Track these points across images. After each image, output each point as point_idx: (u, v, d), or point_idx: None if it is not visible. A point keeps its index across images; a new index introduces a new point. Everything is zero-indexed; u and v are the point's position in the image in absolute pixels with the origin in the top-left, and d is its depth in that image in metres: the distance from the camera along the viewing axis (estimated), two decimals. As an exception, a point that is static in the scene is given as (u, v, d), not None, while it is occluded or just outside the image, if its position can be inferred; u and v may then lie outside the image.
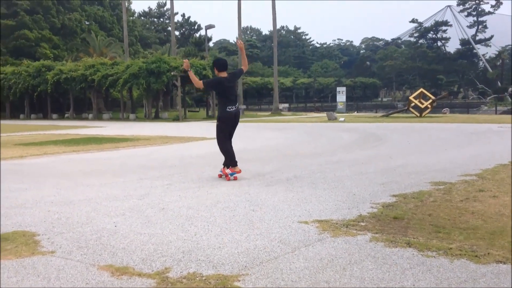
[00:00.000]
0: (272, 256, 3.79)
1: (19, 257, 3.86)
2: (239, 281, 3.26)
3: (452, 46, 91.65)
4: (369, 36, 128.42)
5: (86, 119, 43.63)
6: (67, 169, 9.57)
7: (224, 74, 8.07)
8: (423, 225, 4.61)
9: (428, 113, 32.74)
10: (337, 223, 4.77)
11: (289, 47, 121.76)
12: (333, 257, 3.73)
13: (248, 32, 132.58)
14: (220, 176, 8.14)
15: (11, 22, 57.61)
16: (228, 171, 7.98)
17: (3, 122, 39.17)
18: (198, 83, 8.26)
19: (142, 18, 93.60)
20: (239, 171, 7.99)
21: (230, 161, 8.04)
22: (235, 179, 7.85)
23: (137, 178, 8.10)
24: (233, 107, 8.12)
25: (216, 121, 8.34)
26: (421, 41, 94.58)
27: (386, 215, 5.06)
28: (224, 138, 8.25)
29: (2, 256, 3.89)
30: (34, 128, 27.59)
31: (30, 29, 58.61)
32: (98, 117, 43.22)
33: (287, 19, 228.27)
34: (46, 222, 5.02)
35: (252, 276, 3.34)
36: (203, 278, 3.33)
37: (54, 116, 46.80)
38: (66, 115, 47.12)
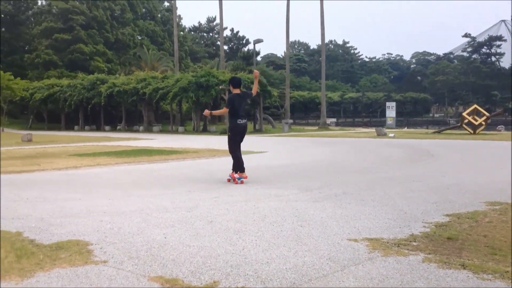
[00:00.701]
0: (321, 274, 3.74)
1: (73, 266, 3.97)
2: (288, 297, 3.23)
3: (507, 62, 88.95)
4: (420, 51, 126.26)
5: (137, 131, 44.67)
6: (119, 180, 9.80)
7: (237, 91, 9.37)
8: (478, 247, 4.46)
9: (482, 130, 31.77)
10: (388, 242, 4.67)
11: (337, 61, 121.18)
12: (384, 277, 3.65)
13: (296, 46, 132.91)
14: (228, 180, 9.21)
15: (67, 36, 59.95)
16: (236, 175, 9.08)
17: (59, 133, 40.59)
18: (224, 111, 9.55)
19: (192, 32, 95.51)
20: (246, 177, 9.11)
21: (239, 167, 9.16)
22: (242, 183, 8.91)
23: (186, 190, 8.20)
24: (242, 120, 9.32)
25: (228, 131, 9.49)
26: (474, 56, 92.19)
27: (439, 235, 4.91)
28: (235, 147, 9.38)
29: (57, 264, 4.01)
30: (88, 139, 28.46)
31: (85, 43, 60.86)
32: (149, 129, 44.16)
33: (336, 33, 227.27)
34: (99, 231, 5.15)
35: (300, 293, 3.31)
36: (252, 293, 3.32)
37: (107, 127, 48.15)
38: (118, 127, 48.39)
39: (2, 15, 67.14)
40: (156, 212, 6.22)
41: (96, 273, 3.78)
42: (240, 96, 9.37)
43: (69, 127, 51.08)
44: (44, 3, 68.73)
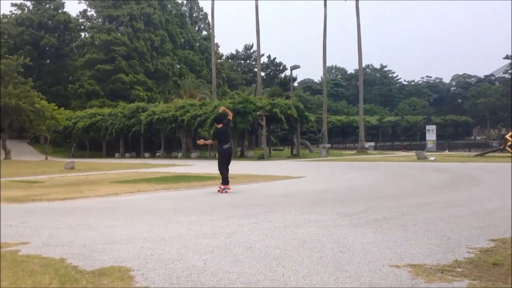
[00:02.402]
0: (363, 301, 3.68)
1: (115, 292, 4.03)
2: (329, 325, 3.19)
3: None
4: (460, 73, 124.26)
5: (176, 157, 45.25)
6: (159, 206, 9.93)
7: (220, 125, 12.74)
8: (526, 273, 4.30)
9: (526, 152, 30.76)
10: (431, 268, 4.55)
11: (375, 85, 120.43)
12: (428, 304, 3.55)
13: (333, 71, 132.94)
14: (219, 191, 12.39)
15: (108, 67, 61.81)
16: (222, 187, 12.40)
17: (100, 160, 41.51)
18: (211, 142, 13.94)
19: (230, 60, 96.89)
20: (229, 188, 12.44)
21: (224, 181, 12.50)
22: (226, 192, 12.18)
23: (224, 216, 8.23)
24: (226, 145, 12.62)
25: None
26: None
27: (484, 260, 4.77)
28: (221, 166, 12.65)
29: (100, 290, 4.07)
30: (128, 166, 28.99)
31: (126, 73, 62.55)
32: (187, 156, 44.68)
33: (373, 58, 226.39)
34: (140, 258, 5.21)
35: (342, 321, 3.26)
36: (292, 320, 3.29)
37: (146, 154, 48.99)
38: (157, 154, 49.17)
39: (47, 48, 69.81)
40: (196, 238, 6.25)
41: (137, 299, 3.82)
42: (222, 129, 12.66)
43: (110, 154, 52.20)
44: (87, 35, 71.24)
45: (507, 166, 21.27)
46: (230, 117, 13.15)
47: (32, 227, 7.39)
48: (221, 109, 13.85)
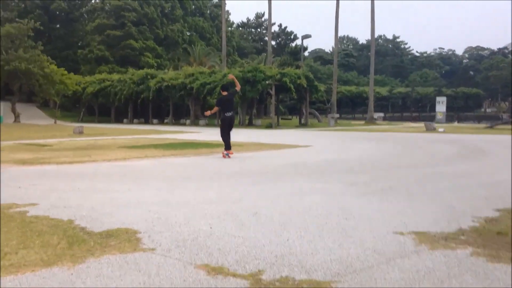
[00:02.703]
0: (366, 265, 3.71)
1: (122, 253, 4.09)
2: (332, 287, 3.23)
3: None
4: (473, 45, 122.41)
5: (184, 124, 45.34)
6: (166, 172, 10.00)
7: (225, 93, 13.49)
8: (530, 243, 4.31)
9: (537, 126, 30.53)
10: (435, 236, 4.57)
11: (387, 56, 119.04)
12: (431, 269, 3.59)
13: (345, 42, 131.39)
14: (223, 156, 12.96)
15: (118, 33, 61.43)
16: (225, 152, 12.94)
17: (109, 126, 41.70)
18: (215, 109, 14.21)
19: (240, 28, 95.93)
20: (231, 153, 12.97)
21: (226, 146, 13.09)
22: (229, 157, 12.77)
23: (231, 183, 8.28)
24: (229, 113, 13.34)
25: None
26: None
27: (488, 229, 4.78)
28: (223, 132, 13.27)
29: (107, 251, 4.14)
30: (137, 132, 29.11)
31: (135, 40, 62.16)
32: (195, 123, 44.74)
33: (386, 28, 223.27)
34: (147, 221, 5.27)
35: (345, 284, 3.30)
36: (296, 282, 3.34)
37: (155, 121, 49.10)
38: (165, 121, 49.27)
39: (57, 12, 69.44)
40: (202, 203, 6.30)
41: (144, 260, 3.88)
42: (226, 97, 13.42)
43: (118, 120, 52.36)
44: (97, 0, 70.66)
45: (517, 139, 21.13)
46: (238, 88, 14.07)
47: (41, 189, 7.48)
48: (230, 77, 14.69)
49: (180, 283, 3.36)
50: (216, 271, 3.59)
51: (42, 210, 5.83)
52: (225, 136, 13.19)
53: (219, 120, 14.15)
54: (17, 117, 43.62)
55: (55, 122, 45.55)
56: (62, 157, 12.67)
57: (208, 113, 14.51)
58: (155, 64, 61.74)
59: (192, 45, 66.59)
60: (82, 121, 51.50)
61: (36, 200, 6.50)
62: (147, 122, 50.15)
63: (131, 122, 50.54)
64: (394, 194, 6.95)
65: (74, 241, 4.42)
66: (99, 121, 51.78)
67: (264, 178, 8.93)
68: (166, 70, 52.22)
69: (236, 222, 5.20)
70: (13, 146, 16.68)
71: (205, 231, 4.81)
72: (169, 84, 44.18)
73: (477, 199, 6.55)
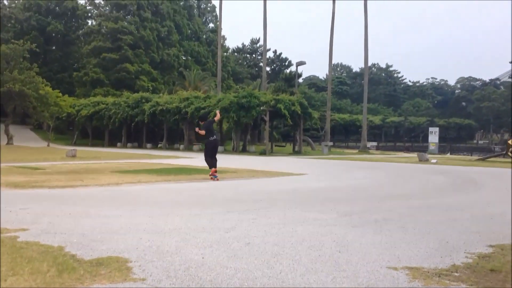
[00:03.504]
0: (359, 302, 3.67)
1: (112, 282, 4.03)
2: (325, 325, 3.19)
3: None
4: (466, 76, 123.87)
5: (178, 149, 45.25)
6: (159, 198, 9.94)
7: (202, 122, 15.20)
8: (524, 281, 4.29)
9: (529, 158, 30.72)
10: (428, 272, 4.55)
11: (380, 84, 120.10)
12: (424, 308, 3.55)
13: (338, 69, 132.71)
14: (211, 179, 14.02)
15: (114, 56, 61.73)
16: (210, 173, 14.14)
17: (102, 149, 41.56)
18: (203, 133, 14.87)
19: (236, 54, 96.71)
20: (215, 170, 14.26)
21: (210, 167, 14.39)
22: (217, 179, 13.98)
23: (224, 210, 8.23)
24: (212, 138, 14.70)
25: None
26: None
27: (482, 266, 4.76)
28: (206, 155, 14.79)
29: (97, 280, 4.08)
30: (130, 156, 29.03)
31: (131, 63, 62.46)
32: (189, 148, 44.67)
33: (379, 57, 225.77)
34: (138, 249, 5.22)
35: (338, 321, 3.26)
36: (288, 318, 3.29)
37: (148, 145, 49.01)
38: (159, 145, 49.18)
39: (53, 34, 69.79)
40: (194, 231, 6.26)
41: (134, 291, 3.83)
42: (205, 124, 14.91)
43: (112, 143, 52.22)
44: (94, 23, 71.15)
45: (509, 171, 21.22)
46: (217, 118, 15.90)
47: (32, 213, 7.41)
48: (217, 118, 16.11)
49: (171, 316, 3.31)
50: (208, 304, 3.54)
51: (33, 236, 5.76)
52: (208, 158, 14.66)
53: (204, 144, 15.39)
54: (10, 139, 43.36)
55: (48, 145, 45.31)
56: (55, 181, 12.59)
57: (198, 130, 15.24)
58: (150, 88, 61.97)
59: (188, 69, 67.00)
60: (76, 144, 51.31)
61: (27, 225, 6.43)
62: (140, 146, 50.05)
63: (124, 146, 50.40)
64: (387, 226, 6.93)
65: (64, 269, 4.35)
66: (93, 145, 51.61)
67: (257, 206, 8.88)
68: (161, 94, 52.35)
69: (228, 252, 5.15)
70: (5, 169, 16.56)
71: (196, 261, 4.76)
72: (164, 108, 44.25)
73: (470, 233, 6.53)
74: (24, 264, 4.46)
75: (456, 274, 4.50)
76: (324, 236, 6.15)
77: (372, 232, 6.46)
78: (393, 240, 5.96)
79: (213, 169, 14.22)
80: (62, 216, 7.29)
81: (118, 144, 51.74)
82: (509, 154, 31.33)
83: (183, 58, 74.98)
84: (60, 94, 46.39)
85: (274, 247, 5.46)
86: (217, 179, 13.98)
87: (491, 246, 5.74)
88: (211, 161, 14.50)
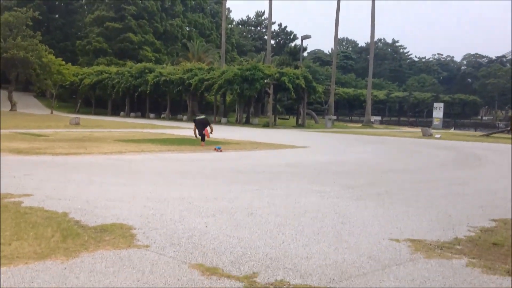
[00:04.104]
0: (361, 272, 3.70)
1: (117, 248, 4.06)
2: (327, 293, 3.21)
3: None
4: (472, 53, 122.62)
5: (181, 120, 45.19)
6: (163, 168, 9.96)
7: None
8: (525, 255, 4.30)
9: (532, 135, 30.64)
10: (430, 244, 4.56)
11: (385, 59, 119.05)
12: (426, 279, 3.57)
13: (344, 43, 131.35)
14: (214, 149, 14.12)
15: (118, 25, 61.16)
16: (216, 147, 14.37)
17: (105, 118, 41.55)
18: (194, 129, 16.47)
19: (240, 26, 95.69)
20: (203, 145, 15.24)
21: (200, 137, 15.76)
22: (221, 150, 13.99)
23: (227, 181, 8.25)
24: (200, 116, 17.20)
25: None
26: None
27: (484, 240, 4.77)
28: (196, 130, 16.16)
29: (101, 246, 4.11)
30: (133, 125, 29.01)
31: (135, 33, 61.93)
32: (192, 119, 44.52)
33: (385, 32, 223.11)
34: (142, 217, 5.24)
35: (340, 290, 3.28)
36: (291, 286, 3.32)
37: (152, 115, 48.93)
38: (162, 115, 49.10)
39: (57, 2, 69.12)
40: (198, 201, 6.28)
41: (138, 257, 3.85)
42: (199, 119, 16.53)
43: (115, 113, 52.14)
44: (97, -9, 70.26)
45: (513, 148, 21.18)
46: (207, 134, 16.20)
47: (36, 179, 7.44)
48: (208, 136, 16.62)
49: (174, 282, 3.33)
50: (211, 271, 3.57)
51: (37, 201, 5.79)
52: (196, 131, 16.17)
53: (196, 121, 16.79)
54: (13, 106, 43.36)
55: (51, 112, 45.28)
56: (58, 148, 12.61)
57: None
58: (153, 58, 61.50)
59: (191, 41, 66.41)
60: (79, 112, 51.23)
61: (31, 190, 6.46)
62: (143, 116, 49.95)
63: (127, 116, 50.33)
64: (390, 199, 6.94)
65: (68, 235, 4.38)
66: (96, 113, 51.54)
67: (260, 177, 8.90)
68: (164, 65, 52.00)
69: (231, 222, 5.18)
70: (8, 135, 16.58)
71: (200, 230, 4.79)
72: (167, 79, 44.01)
73: (473, 208, 6.55)
74: (29, 229, 4.49)
75: (458, 247, 4.51)
76: (326, 208, 6.17)
77: (375, 205, 6.47)
78: (395, 213, 5.98)
79: (202, 143, 15.57)
80: (66, 182, 7.32)
81: (121, 113, 51.67)
82: (513, 131, 31.24)
83: (187, 29, 74.22)
84: (63, 63, 46.18)
85: (277, 218, 5.48)
86: (221, 150, 13.98)
87: (493, 220, 5.75)
88: (197, 133, 16.12)
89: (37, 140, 15.14)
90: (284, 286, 3.32)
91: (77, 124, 25.95)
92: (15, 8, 44.75)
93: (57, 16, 70.59)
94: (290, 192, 7.27)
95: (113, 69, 51.99)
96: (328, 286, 3.35)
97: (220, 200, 6.37)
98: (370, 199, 6.90)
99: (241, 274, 3.53)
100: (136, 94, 47.60)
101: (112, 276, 3.41)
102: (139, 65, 49.80)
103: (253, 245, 4.33)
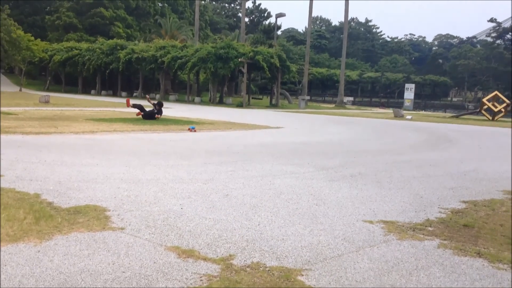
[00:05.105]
0: (336, 254, 3.75)
1: (91, 231, 4.02)
2: (303, 275, 3.25)
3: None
4: (443, 33, 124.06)
5: (153, 99, 44.69)
6: (136, 147, 9.86)
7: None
8: (494, 236, 4.43)
9: (501, 117, 31.37)
10: (403, 226, 4.65)
11: (358, 39, 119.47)
12: (399, 260, 3.65)
13: (318, 22, 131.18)
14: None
15: (89, 0, 59.73)
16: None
17: (76, 96, 40.83)
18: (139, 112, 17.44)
19: (214, 3, 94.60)
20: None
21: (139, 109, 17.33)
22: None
23: (202, 162, 8.22)
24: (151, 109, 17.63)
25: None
26: (498, 41, 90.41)
27: (455, 221, 4.89)
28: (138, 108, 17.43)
29: (75, 228, 4.06)
30: (104, 104, 28.60)
31: (106, 8, 60.63)
32: (165, 98, 44.15)
33: (359, 11, 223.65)
34: (116, 198, 5.20)
35: (315, 272, 3.33)
36: (267, 269, 3.34)
37: (123, 94, 48.27)
38: (134, 94, 48.50)
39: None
40: (173, 182, 6.25)
41: (113, 239, 3.83)
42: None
43: (86, 91, 51.30)
44: (67, -35, 68.31)
45: (482, 129, 21.65)
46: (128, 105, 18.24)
47: (6, 160, 7.28)
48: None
49: (150, 265, 3.33)
50: (187, 254, 3.57)
51: (8, 182, 5.68)
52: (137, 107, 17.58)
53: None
54: (-20, 83, 42.26)
55: (20, 90, 44.23)
56: (28, 127, 12.36)
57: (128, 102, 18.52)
58: (125, 35, 60.44)
59: (164, 17, 65.40)
60: (48, 90, 50.18)
61: (2, 171, 6.33)
62: (115, 94, 49.24)
63: (98, 94, 49.54)
64: (363, 181, 7.04)
65: (41, 216, 4.32)
66: (66, 91, 50.56)
67: (235, 158, 8.90)
68: (136, 42, 51.17)
69: (207, 203, 5.18)
70: (-25, 113, 16.15)
71: (175, 212, 4.78)
72: (140, 56, 43.37)
73: (444, 189, 6.68)
74: (0, 211, 4.41)
75: (430, 228, 4.61)
76: (301, 189, 6.22)
77: (348, 186, 6.55)
78: (368, 195, 6.06)
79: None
80: (37, 163, 7.19)
81: (92, 91, 50.82)
82: (483, 112, 31.89)
83: (160, 5, 73.01)
84: (32, 38, 44.96)
85: (252, 199, 5.50)
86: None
87: (464, 202, 5.89)
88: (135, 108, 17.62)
89: (6, 119, 14.79)
90: (261, 268, 3.34)
91: (47, 102, 25.44)
92: (-18, -19, 43.26)
93: (25, -11, 68.50)
94: (265, 173, 7.30)
95: (84, 45, 50.92)
96: (304, 268, 3.39)
97: (195, 182, 6.36)
98: (344, 181, 6.98)
99: (217, 256, 3.55)
100: (107, 71, 46.81)
101: (87, 259, 3.38)
102: (110, 41, 48.90)
103: (229, 227, 4.35)
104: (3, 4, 43.98)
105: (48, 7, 68.66)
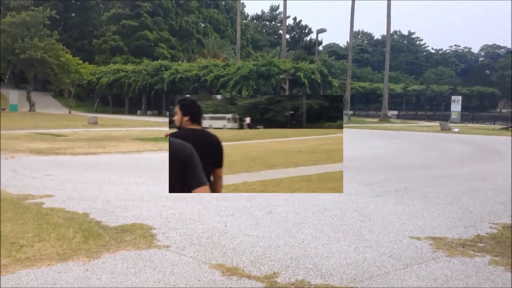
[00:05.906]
0: (383, 271, 3.68)
1: (137, 249, 4.09)
2: (348, 294, 3.20)
3: None
4: (490, 43, 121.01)
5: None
6: (180, 166, 9.97)
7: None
8: (549, 252, 4.24)
9: (553, 127, 30.15)
10: (452, 242, 4.52)
11: (402, 52, 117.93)
12: (449, 278, 3.54)
13: (359, 36, 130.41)
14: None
15: (134, 23, 61.47)
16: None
17: (122, 117, 41.84)
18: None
19: (255, 21, 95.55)
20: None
21: None
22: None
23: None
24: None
25: None
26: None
27: (507, 237, 4.71)
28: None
29: (122, 247, 4.14)
30: (150, 124, 29.18)
31: (150, 30, 62.21)
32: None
33: (401, 24, 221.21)
34: (161, 216, 5.27)
35: (361, 290, 3.27)
36: (312, 286, 3.31)
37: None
38: (179, 113, 49.23)
39: (73, 1, 69.64)
40: (216, 200, 6.29)
41: (159, 257, 3.88)
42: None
43: (132, 111, 52.49)
44: (112, -11, 70.64)
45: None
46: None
47: (56, 180, 7.52)
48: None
49: (195, 283, 3.35)
50: (231, 271, 3.58)
51: (58, 202, 5.86)
52: None
53: None
54: (32, 106, 43.88)
55: (69, 112, 45.74)
56: (77, 148, 12.74)
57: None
58: (169, 56, 61.73)
59: (206, 37, 66.53)
60: (96, 111, 51.66)
61: (52, 191, 6.54)
62: (160, 114, 50.19)
63: (144, 114, 50.62)
64: (409, 196, 6.89)
65: (89, 235, 4.43)
66: (113, 112, 51.92)
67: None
68: (180, 62, 52.17)
69: (250, 221, 5.18)
70: (28, 135, 16.80)
71: (219, 229, 4.80)
72: (183, 75, 44.20)
73: (494, 203, 6.46)
74: (50, 230, 4.55)
75: (480, 244, 4.46)
76: (345, 205, 6.14)
77: (394, 202, 6.43)
78: (415, 210, 5.93)
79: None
80: (86, 182, 7.39)
81: (138, 111, 51.97)
82: (533, 123, 30.75)
83: (202, 25, 74.38)
84: (81, 61, 46.56)
85: (296, 216, 5.47)
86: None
87: (515, 217, 5.68)
88: None
89: (56, 140, 15.31)
90: (305, 286, 3.31)
91: (95, 123, 26.17)
92: (32, 8, 45.20)
93: (73, 14, 71.17)
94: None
95: (130, 67, 52.33)
96: (349, 286, 3.34)
97: (238, 199, 6.38)
98: (389, 196, 6.86)
99: (261, 274, 3.54)
100: (152, 92, 47.86)
101: (133, 277, 3.43)
102: (155, 62, 50.03)
103: (273, 244, 4.33)
104: (52, 29, 45.75)
105: (95, 31, 71.04)
